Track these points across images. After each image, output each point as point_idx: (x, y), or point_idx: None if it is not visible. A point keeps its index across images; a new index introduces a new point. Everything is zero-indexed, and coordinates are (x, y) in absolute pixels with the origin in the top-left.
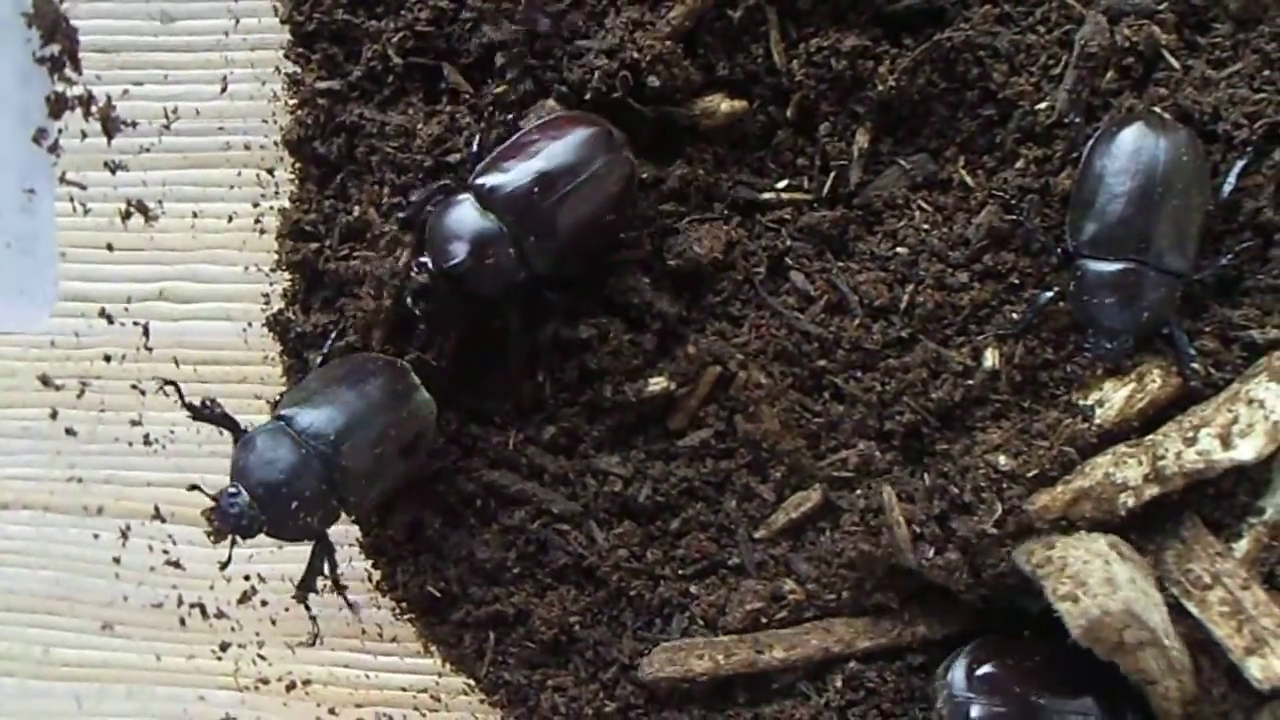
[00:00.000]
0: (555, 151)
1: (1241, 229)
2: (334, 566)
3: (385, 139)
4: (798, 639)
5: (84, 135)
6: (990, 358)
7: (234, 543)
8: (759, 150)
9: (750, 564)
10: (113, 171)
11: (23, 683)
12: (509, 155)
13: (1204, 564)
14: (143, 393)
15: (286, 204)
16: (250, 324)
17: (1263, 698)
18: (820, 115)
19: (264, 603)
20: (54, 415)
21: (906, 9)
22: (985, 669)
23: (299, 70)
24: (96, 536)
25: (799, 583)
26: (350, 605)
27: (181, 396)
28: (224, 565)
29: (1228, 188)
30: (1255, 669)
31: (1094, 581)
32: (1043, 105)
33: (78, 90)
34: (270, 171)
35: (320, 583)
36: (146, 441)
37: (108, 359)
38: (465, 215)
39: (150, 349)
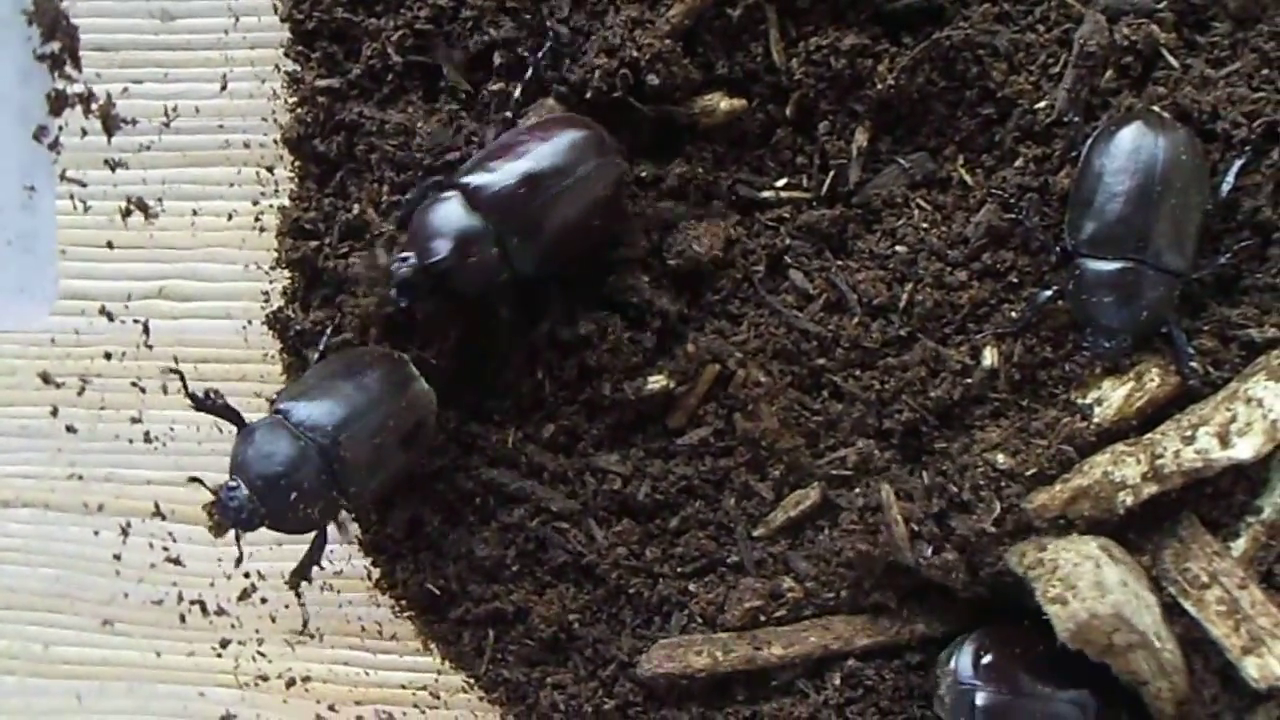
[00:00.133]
0: (544, 153)
1: (1240, 228)
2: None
3: (385, 137)
4: (796, 636)
5: (84, 133)
6: (989, 356)
7: (239, 536)
8: (758, 149)
9: (749, 562)
10: (113, 169)
11: (23, 680)
12: (498, 155)
13: (1201, 563)
14: (143, 390)
15: (286, 202)
16: (250, 322)
17: (1256, 698)
18: (819, 114)
19: (264, 600)
20: (54, 413)
21: (906, 8)
22: (990, 657)
23: (299, 68)
24: (97, 534)
25: (798, 581)
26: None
27: (185, 385)
28: (238, 561)
29: (1226, 187)
30: (1252, 668)
31: (1083, 585)
32: (1042, 104)
33: (78, 88)
34: (270, 169)
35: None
36: (147, 439)
37: (108, 356)
38: (451, 212)
39: (150, 346)
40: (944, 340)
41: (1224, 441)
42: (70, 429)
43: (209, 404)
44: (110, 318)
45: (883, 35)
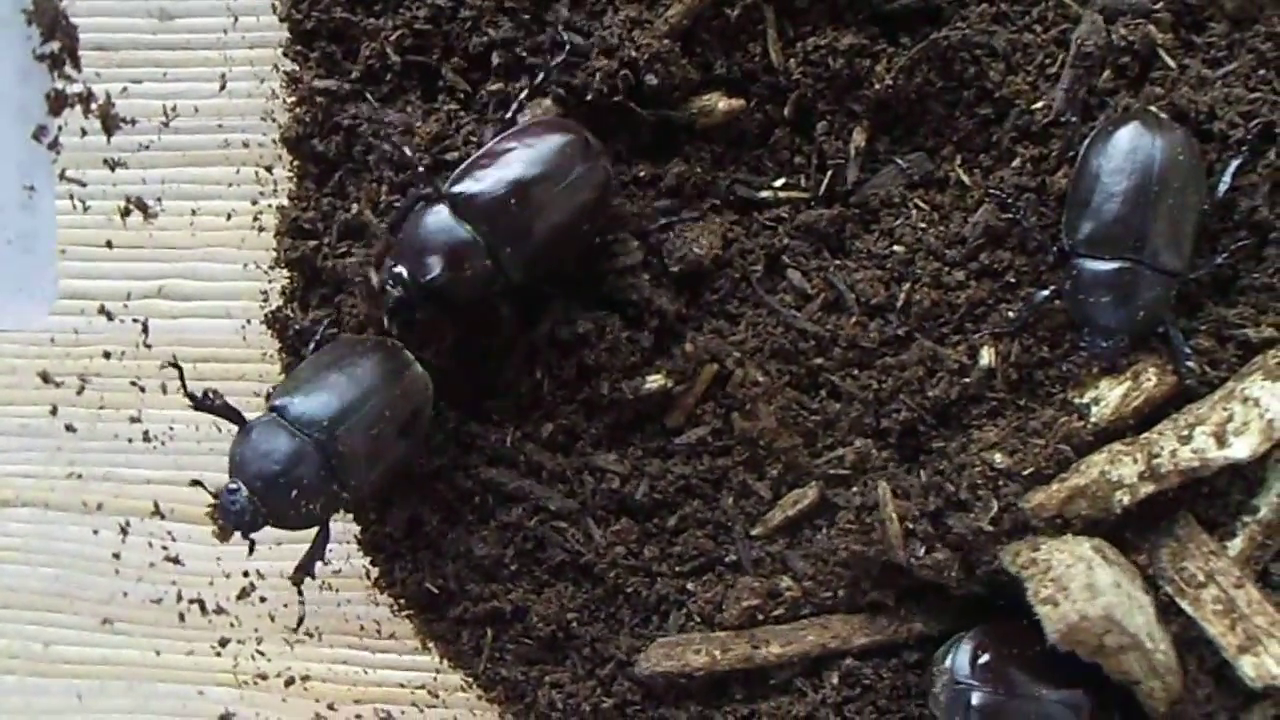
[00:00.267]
0: (531, 160)
1: (1237, 228)
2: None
3: (383, 137)
4: (794, 635)
5: (84, 133)
6: (986, 356)
7: (251, 541)
8: (756, 149)
9: (747, 561)
10: (112, 169)
11: (23, 679)
12: (484, 164)
13: (1198, 562)
14: (142, 390)
15: (285, 202)
16: (249, 321)
17: (1250, 698)
18: (817, 114)
19: (263, 599)
20: (54, 412)
21: (903, 8)
22: (987, 656)
23: (298, 68)
24: (96, 533)
25: (795, 580)
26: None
27: (184, 384)
28: (251, 548)
29: (1223, 187)
30: (1248, 667)
31: (1075, 586)
32: (1039, 104)
33: (77, 88)
34: (269, 169)
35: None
36: (146, 438)
37: (107, 356)
38: (440, 225)
39: (149, 346)
40: (941, 340)
41: (1221, 441)
42: (70, 428)
43: (208, 404)
44: (109, 317)
45: (880, 35)
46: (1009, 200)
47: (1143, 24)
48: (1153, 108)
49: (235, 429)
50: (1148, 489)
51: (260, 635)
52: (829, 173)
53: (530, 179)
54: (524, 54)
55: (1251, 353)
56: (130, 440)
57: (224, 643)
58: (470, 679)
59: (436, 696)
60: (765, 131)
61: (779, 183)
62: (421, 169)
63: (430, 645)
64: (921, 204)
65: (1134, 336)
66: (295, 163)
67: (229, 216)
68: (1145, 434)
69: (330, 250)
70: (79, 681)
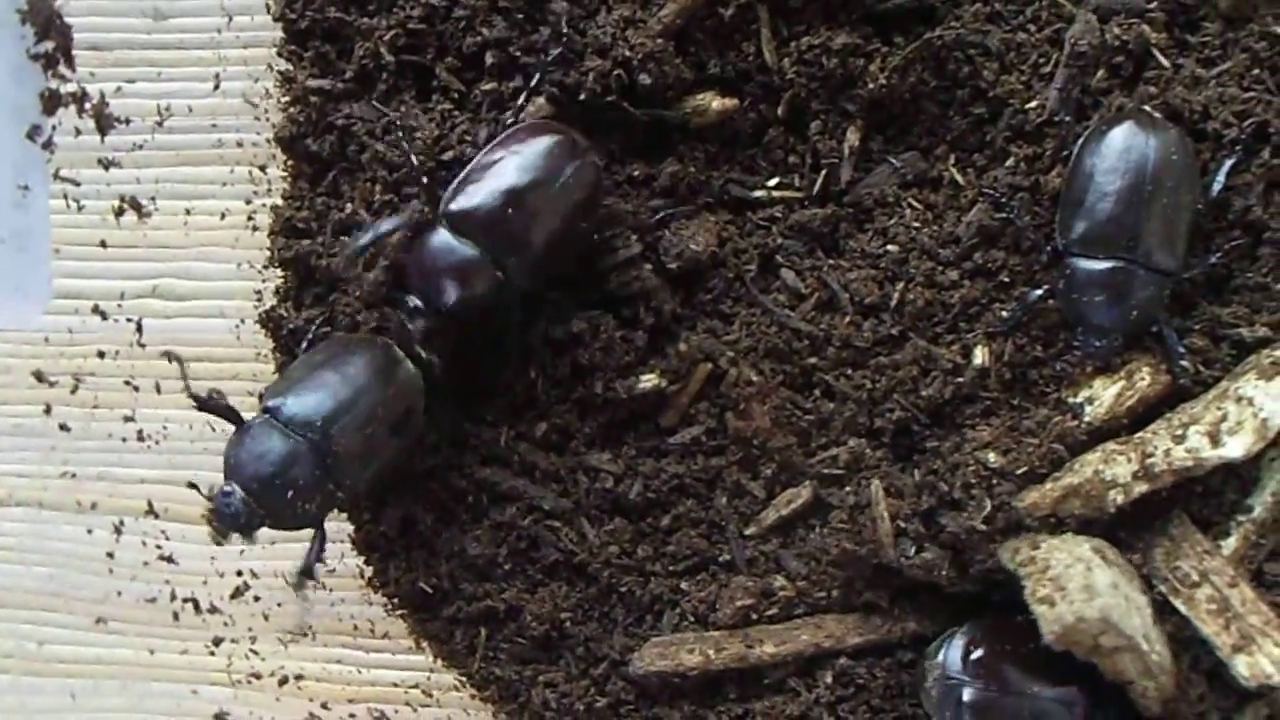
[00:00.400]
0: (521, 166)
1: (1231, 227)
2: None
3: (377, 137)
4: (788, 635)
5: (78, 132)
6: (980, 355)
7: (249, 538)
8: (750, 148)
9: (741, 560)
10: (106, 168)
11: (17, 679)
12: (476, 177)
13: (1192, 561)
14: (136, 389)
15: (279, 201)
16: (243, 321)
17: (1243, 698)
18: (811, 113)
19: (257, 598)
20: (48, 411)
21: (897, 7)
22: (979, 652)
23: (291, 68)
24: (90, 532)
25: (789, 579)
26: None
27: (187, 384)
28: (245, 547)
29: (1217, 186)
30: (1242, 667)
31: (1072, 587)
32: (1033, 103)
33: (71, 87)
34: (263, 169)
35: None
36: (140, 438)
37: (101, 355)
38: (444, 247)
39: (144, 345)
40: (935, 339)
41: (1215, 440)
42: (64, 427)
43: (211, 404)
44: (104, 316)
45: (874, 35)
46: (1003, 200)
47: (1137, 23)
48: (1147, 107)
49: (230, 429)
50: (1141, 488)
51: (254, 635)
52: (823, 172)
53: (523, 186)
54: (518, 53)
55: (1245, 352)
56: (124, 440)
57: (218, 642)
58: (464, 678)
59: (430, 696)
60: (759, 131)
61: (773, 182)
62: (417, 169)
63: (424, 644)
64: (915, 203)
65: (1128, 336)
66: (289, 162)
67: (223, 216)
68: (1139, 433)
69: (324, 250)
70: (73, 681)
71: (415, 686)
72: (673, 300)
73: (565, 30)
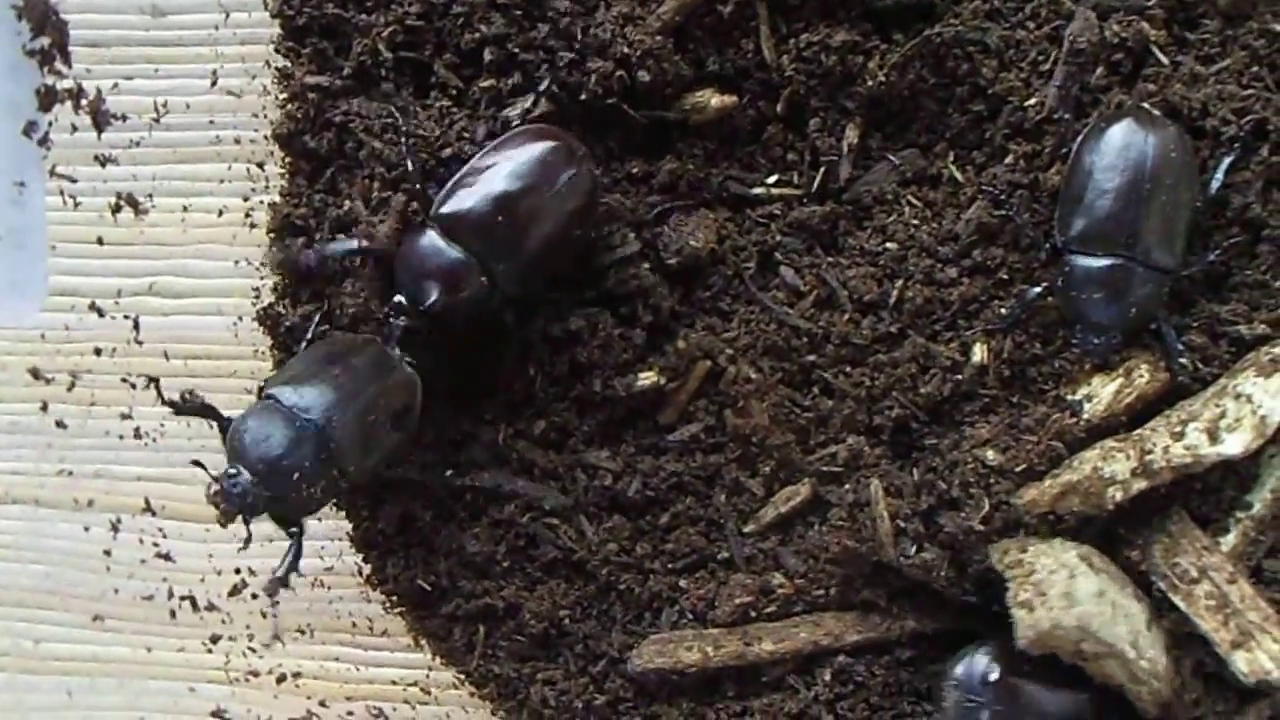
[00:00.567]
0: (515, 172)
1: (1229, 225)
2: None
3: (375, 134)
4: (786, 632)
5: (74, 129)
6: (979, 353)
7: (247, 522)
8: (749, 145)
9: (739, 558)
10: (103, 165)
11: (13, 677)
12: (469, 181)
13: (1191, 558)
14: (133, 386)
15: (277, 198)
16: (240, 318)
17: (1242, 701)
18: (810, 110)
19: (254, 596)
20: (44, 409)
21: (896, 4)
22: (999, 671)
23: (289, 64)
24: (87, 530)
25: (788, 577)
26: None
27: (160, 393)
28: (245, 543)
29: (1216, 184)
30: (1241, 663)
31: (1053, 593)
32: (1032, 101)
33: (68, 83)
34: (260, 166)
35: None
36: (137, 435)
37: (98, 353)
38: (432, 248)
39: (140, 343)
40: (934, 337)
41: (1213, 437)
42: (60, 425)
43: (187, 407)
44: (100, 314)
45: (873, 32)
46: (1002, 197)
47: (1136, 20)
48: (1146, 104)
49: (217, 426)
50: (1140, 485)
51: (252, 632)
52: (822, 169)
53: (516, 192)
54: (516, 50)
55: (1244, 349)
56: (121, 437)
57: (215, 640)
58: (462, 676)
59: (429, 693)
60: (758, 128)
61: (772, 179)
62: (411, 174)
63: (422, 642)
64: (914, 201)
65: (1126, 333)
66: (287, 159)
67: (220, 213)
68: (1138, 430)
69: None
70: (70, 679)
71: (414, 684)
72: (671, 298)
73: (573, 34)
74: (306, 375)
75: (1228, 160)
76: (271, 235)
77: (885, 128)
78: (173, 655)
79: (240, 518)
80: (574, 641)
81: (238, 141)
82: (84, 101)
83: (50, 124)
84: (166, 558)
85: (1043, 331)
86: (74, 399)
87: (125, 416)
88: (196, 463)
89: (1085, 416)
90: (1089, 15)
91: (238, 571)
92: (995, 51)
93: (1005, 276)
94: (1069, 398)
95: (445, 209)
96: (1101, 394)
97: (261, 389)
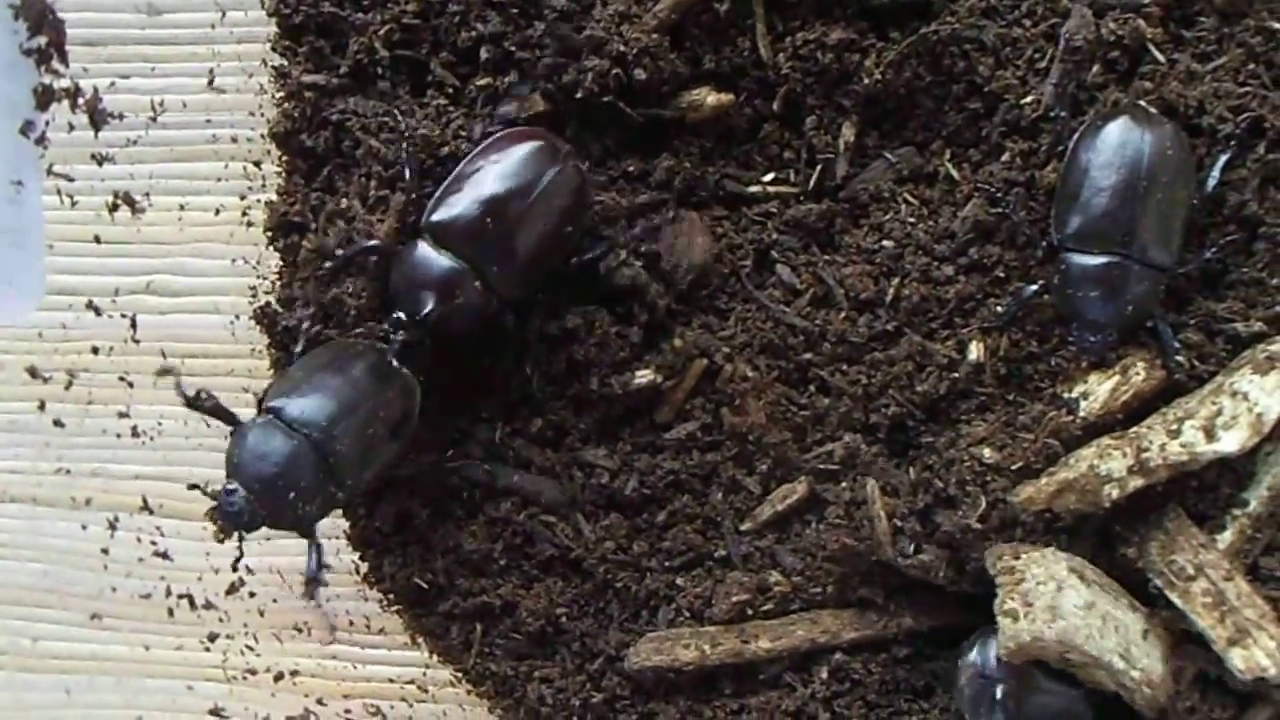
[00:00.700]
0: (501, 175)
1: (1226, 222)
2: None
3: (372, 132)
4: (784, 630)
5: (71, 128)
6: (975, 351)
7: (241, 539)
8: (745, 143)
9: (736, 556)
10: (100, 164)
11: (12, 675)
12: (456, 187)
13: (1187, 555)
14: (130, 385)
15: (274, 197)
16: (237, 316)
17: (1240, 707)
18: (806, 108)
19: (252, 594)
20: (42, 407)
21: (892, 2)
22: None
23: (286, 63)
24: (84, 528)
25: (785, 575)
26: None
27: (178, 386)
28: (235, 562)
29: (1212, 181)
30: (1237, 660)
31: (1038, 605)
32: (1028, 99)
33: (65, 82)
34: (257, 164)
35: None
36: (134, 433)
37: (95, 351)
38: (424, 259)
39: (138, 341)
40: (930, 335)
41: (1210, 435)
42: (58, 424)
43: (201, 404)
44: (98, 312)
45: (869, 30)
46: (998, 195)
47: (1132, 18)
48: (1142, 102)
49: (225, 425)
50: (1137, 483)
51: (250, 630)
52: (818, 167)
53: (503, 194)
54: (512, 48)
55: (1240, 347)
56: (119, 435)
57: (213, 638)
58: (459, 674)
59: (426, 691)
60: (754, 126)
61: (768, 178)
62: (412, 170)
63: (419, 640)
64: (910, 199)
65: (1123, 331)
66: (284, 158)
67: (217, 212)
68: (1134, 428)
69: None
70: (68, 677)
71: (411, 682)
72: (667, 296)
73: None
74: (306, 388)
75: (1224, 158)
76: (268, 234)
77: (882, 126)
78: (170, 653)
79: (236, 534)
80: (571, 639)
81: (235, 140)
82: (81, 100)
83: (47, 123)
84: (164, 556)
85: (1039, 329)
86: (71, 397)
87: (123, 415)
88: (194, 486)
89: (1082, 414)
90: (1085, 13)
91: (235, 570)
92: (991, 49)
93: (1002, 274)
94: (1065, 396)
95: (435, 217)
96: (1098, 392)
97: (261, 401)
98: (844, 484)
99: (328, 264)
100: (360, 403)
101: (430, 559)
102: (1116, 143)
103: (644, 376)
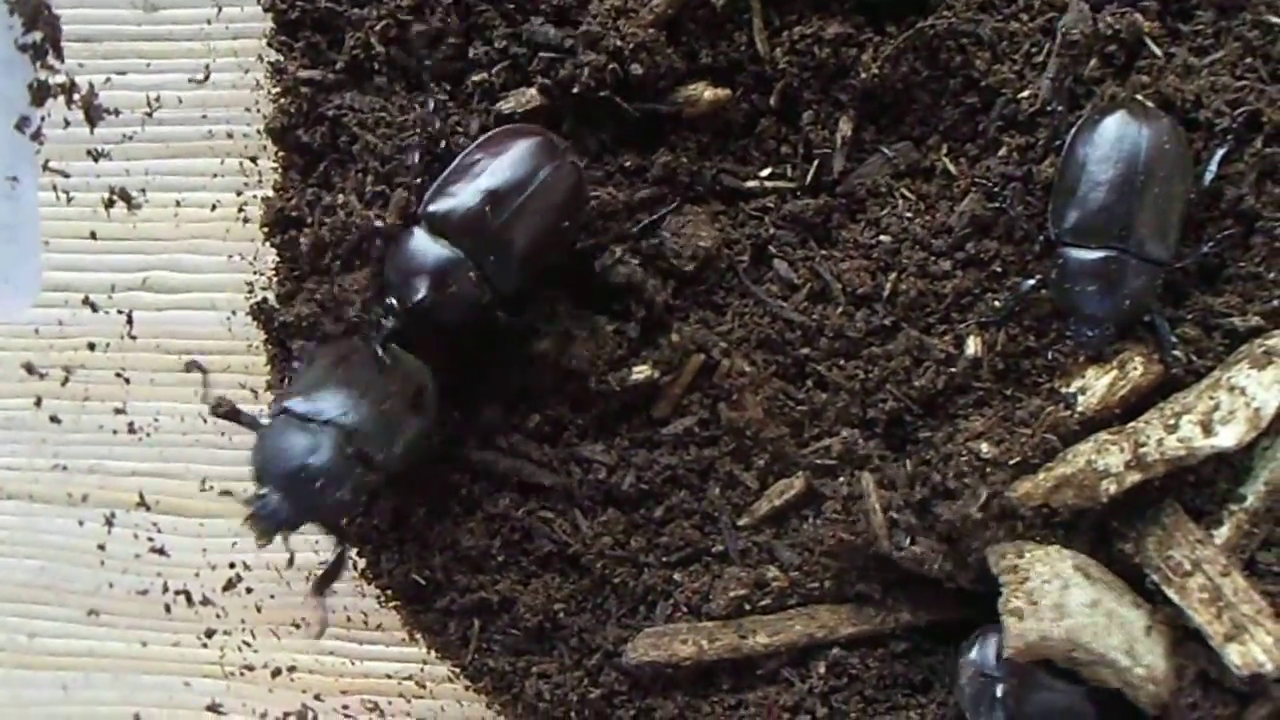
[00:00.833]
0: (500, 167)
1: (1223, 217)
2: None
3: (368, 127)
4: (781, 625)
5: (67, 123)
6: (973, 345)
7: (285, 539)
8: (742, 138)
9: (734, 551)
10: (96, 160)
11: (9, 671)
12: (455, 179)
13: (1184, 551)
14: (127, 381)
15: (270, 193)
16: (234, 312)
17: (1241, 705)
18: (803, 103)
19: (249, 590)
20: (38, 404)
21: None
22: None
23: (282, 58)
24: (81, 525)
25: (782, 570)
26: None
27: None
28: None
29: (1209, 175)
30: (1234, 656)
31: (1045, 604)
32: (1025, 93)
33: (60, 78)
34: (254, 160)
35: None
36: (131, 430)
37: (91, 347)
38: (419, 247)
39: (134, 338)
40: (928, 329)
41: (1207, 430)
42: (54, 420)
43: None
44: (94, 309)
45: (866, 24)
46: (995, 189)
47: (1129, 12)
48: (1139, 96)
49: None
50: (1134, 478)
51: (247, 626)
52: (815, 162)
53: (501, 187)
54: (508, 44)
55: (1238, 341)
56: (115, 432)
57: (210, 634)
58: (457, 670)
59: (424, 687)
60: (751, 121)
61: (765, 172)
62: (419, 160)
63: (417, 636)
64: (908, 193)
65: (1120, 325)
66: (280, 153)
67: (213, 208)
68: (1132, 423)
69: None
70: (65, 674)
71: (409, 678)
72: (664, 291)
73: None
74: (314, 382)
75: (1221, 152)
76: (265, 230)
77: (879, 120)
78: (168, 650)
79: (279, 536)
80: (569, 635)
81: (230, 136)
82: (76, 96)
83: (43, 119)
84: (161, 552)
85: (1036, 324)
86: (68, 394)
87: (119, 411)
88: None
89: (1079, 409)
90: (1082, 7)
91: (232, 566)
92: (988, 43)
93: (999, 269)
94: (1063, 390)
95: (432, 207)
96: (1095, 386)
97: (273, 403)
98: (841, 479)
99: (338, 249)
100: (370, 381)
101: (428, 555)
102: (1114, 137)
103: (641, 372)
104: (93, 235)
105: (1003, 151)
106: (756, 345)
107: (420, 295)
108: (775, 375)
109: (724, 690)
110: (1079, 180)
